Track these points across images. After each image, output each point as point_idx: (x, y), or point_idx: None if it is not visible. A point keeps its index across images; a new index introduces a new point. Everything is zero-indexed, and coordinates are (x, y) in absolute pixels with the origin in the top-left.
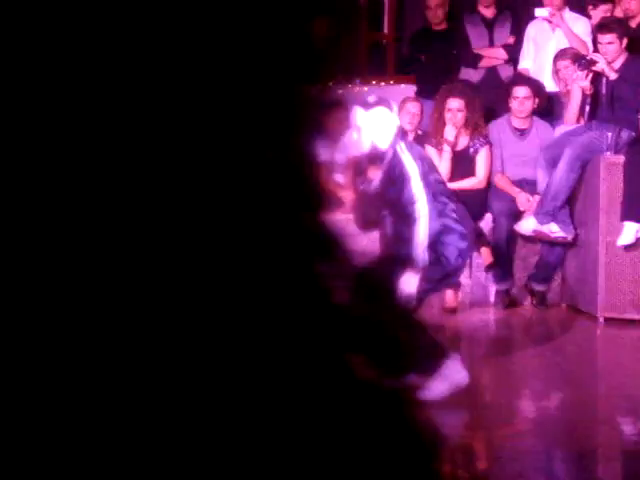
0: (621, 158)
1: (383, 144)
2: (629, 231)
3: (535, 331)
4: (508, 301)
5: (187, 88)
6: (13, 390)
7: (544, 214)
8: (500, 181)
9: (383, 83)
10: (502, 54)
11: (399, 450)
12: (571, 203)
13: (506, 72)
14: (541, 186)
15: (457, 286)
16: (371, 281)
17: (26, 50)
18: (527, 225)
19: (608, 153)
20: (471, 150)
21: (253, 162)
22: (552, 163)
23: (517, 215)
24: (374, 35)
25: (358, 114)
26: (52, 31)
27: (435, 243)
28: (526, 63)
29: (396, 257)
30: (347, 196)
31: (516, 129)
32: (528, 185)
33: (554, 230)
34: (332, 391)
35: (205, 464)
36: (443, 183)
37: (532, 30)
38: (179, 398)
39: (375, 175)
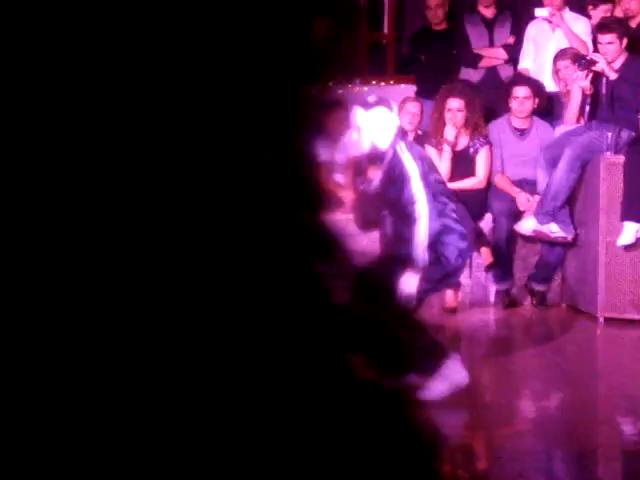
0: (621, 158)
1: (383, 144)
2: (629, 231)
3: (535, 331)
4: (508, 301)
5: (187, 88)
6: (13, 390)
7: (544, 214)
8: (500, 181)
9: (383, 83)
10: (502, 54)
11: (398, 450)
12: (571, 203)
13: (506, 72)
14: (541, 186)
15: (457, 286)
16: (371, 281)
17: (24, 50)
18: (527, 225)
19: (608, 153)
20: (471, 150)
21: (253, 162)
22: (552, 163)
23: (517, 215)
24: (374, 35)
25: (358, 114)
26: (51, 30)
27: (435, 243)
28: (526, 63)
29: (396, 257)
30: (347, 196)
31: (516, 129)
32: (528, 185)
33: (554, 230)
34: (332, 391)
35: (204, 463)
36: (443, 183)
37: (532, 30)
38: (178, 398)
39: (375, 175)
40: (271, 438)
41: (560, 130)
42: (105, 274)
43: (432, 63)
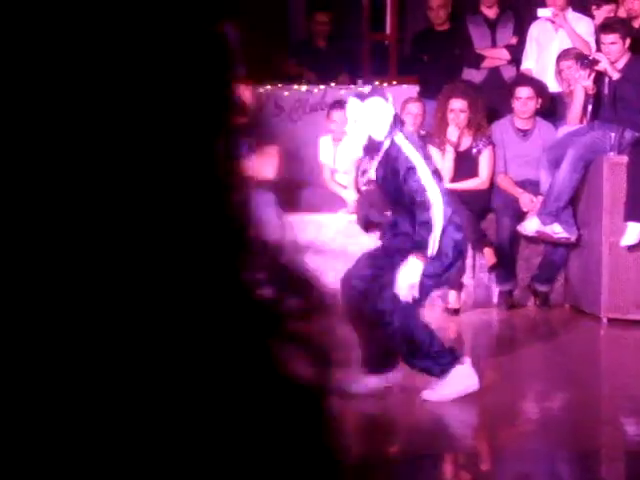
0: (624, 158)
1: (379, 134)
2: (632, 231)
3: (538, 332)
4: (511, 302)
5: (103, 88)
6: None
7: (547, 215)
8: (503, 182)
9: (386, 84)
10: (505, 54)
11: (304, 450)
12: (574, 203)
13: (509, 72)
14: (544, 187)
15: (460, 287)
16: (294, 273)
17: None
18: (530, 226)
19: (611, 153)
20: (474, 151)
21: (170, 157)
22: (555, 164)
23: (520, 216)
24: (377, 36)
25: (354, 105)
26: None
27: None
28: (529, 63)
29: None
30: (350, 196)
31: (519, 129)
32: (531, 185)
33: (557, 231)
34: (250, 387)
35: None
36: (436, 172)
37: (535, 30)
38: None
39: (371, 166)
40: (183, 435)
41: (563, 130)
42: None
43: (435, 63)
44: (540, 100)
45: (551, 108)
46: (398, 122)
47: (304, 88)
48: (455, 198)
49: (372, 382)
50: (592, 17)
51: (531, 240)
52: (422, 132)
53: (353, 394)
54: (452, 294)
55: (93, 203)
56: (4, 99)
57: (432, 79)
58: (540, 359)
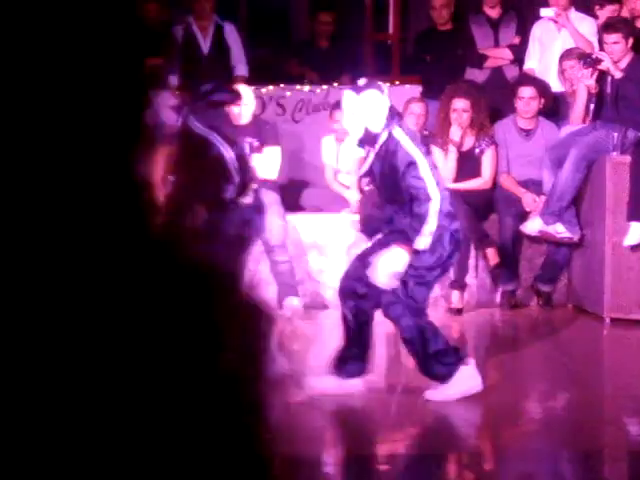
0: (627, 158)
1: (376, 127)
2: (635, 231)
3: (541, 332)
4: (514, 302)
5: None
6: None
7: (550, 214)
8: (506, 181)
9: (388, 84)
10: (507, 54)
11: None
12: (577, 203)
13: (511, 72)
14: (547, 186)
15: (463, 287)
16: (209, 271)
17: None
18: (533, 226)
19: (614, 153)
20: (477, 150)
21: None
22: (558, 163)
23: (523, 216)
24: (379, 36)
25: (349, 98)
26: None
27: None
28: (532, 63)
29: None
30: (353, 196)
31: (522, 129)
32: (534, 185)
33: (560, 230)
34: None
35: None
36: (435, 167)
37: (538, 30)
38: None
39: (367, 160)
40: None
41: (566, 130)
42: None
43: (437, 63)
44: (543, 100)
45: (554, 108)
46: (395, 115)
47: (307, 88)
48: (458, 198)
49: (332, 382)
50: (595, 17)
51: (534, 240)
52: (425, 132)
53: (311, 391)
54: (455, 294)
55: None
56: None
57: (435, 79)
58: (543, 359)
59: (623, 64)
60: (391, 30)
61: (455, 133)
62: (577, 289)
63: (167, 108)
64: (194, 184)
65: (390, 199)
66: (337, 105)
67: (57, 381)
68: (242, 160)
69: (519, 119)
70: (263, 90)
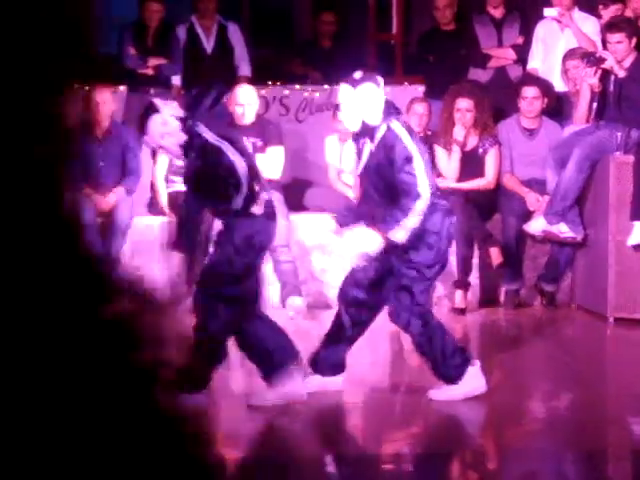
0: (631, 158)
1: (374, 120)
2: (639, 231)
3: (545, 331)
4: (517, 301)
5: None
6: None
7: (553, 214)
8: (509, 181)
9: (391, 84)
10: (511, 54)
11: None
12: (580, 203)
13: (515, 72)
14: (550, 186)
15: (466, 286)
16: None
17: None
18: (536, 225)
19: (618, 153)
20: (480, 150)
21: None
22: (561, 163)
23: (526, 215)
24: (382, 36)
25: (345, 91)
26: None
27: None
28: (535, 63)
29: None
30: (357, 195)
31: (525, 129)
32: (537, 185)
33: (563, 230)
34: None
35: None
36: (429, 164)
37: (541, 30)
38: None
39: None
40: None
41: (569, 130)
42: None
43: (441, 63)
44: (546, 100)
45: (557, 108)
46: (393, 109)
47: (310, 88)
48: (461, 197)
49: (316, 381)
50: (599, 17)
51: (537, 240)
52: (428, 132)
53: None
54: (458, 294)
55: None
56: None
57: (438, 79)
58: (546, 358)
59: (626, 63)
60: (394, 30)
61: (458, 133)
62: (581, 289)
63: (173, 118)
64: (204, 193)
65: (381, 193)
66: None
67: None
68: (253, 170)
69: (522, 119)
70: (266, 90)
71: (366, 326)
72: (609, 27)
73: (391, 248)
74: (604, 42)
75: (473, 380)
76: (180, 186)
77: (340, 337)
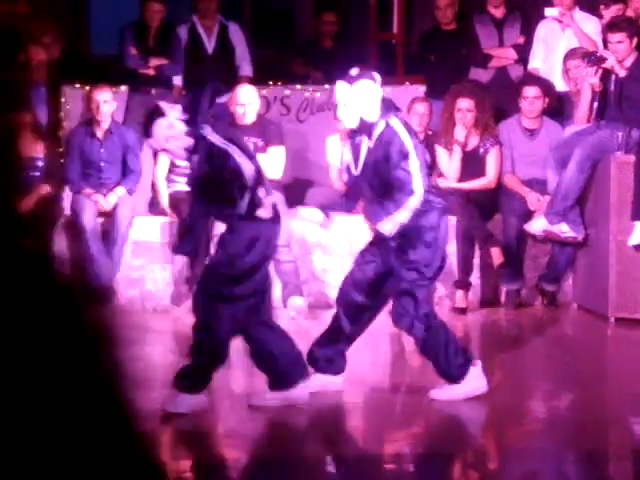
0: (632, 158)
1: (372, 115)
2: None
3: (545, 331)
4: (518, 301)
5: None
6: None
7: (554, 214)
8: (510, 181)
9: (393, 84)
10: (512, 54)
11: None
12: (581, 203)
13: (516, 72)
14: (551, 186)
15: (467, 286)
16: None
17: None
18: (537, 225)
19: (619, 153)
20: (481, 150)
21: None
22: (562, 163)
23: (527, 215)
24: (384, 35)
25: (342, 88)
26: None
27: (416, 219)
28: (536, 63)
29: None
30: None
31: (526, 129)
32: (538, 185)
33: (564, 230)
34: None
35: None
36: (426, 162)
37: (542, 30)
38: None
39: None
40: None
41: (570, 130)
42: None
43: (442, 63)
44: (547, 99)
45: (558, 107)
46: (392, 106)
47: (311, 88)
48: (462, 197)
49: (317, 381)
50: (600, 17)
51: (538, 239)
52: (429, 132)
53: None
54: (459, 293)
55: None
56: None
57: (439, 79)
58: (547, 358)
59: (627, 63)
60: (395, 30)
61: (459, 133)
62: (581, 289)
63: (178, 121)
64: (209, 197)
65: (375, 189)
66: None
67: None
68: (260, 174)
69: (523, 119)
70: (267, 90)
71: (365, 326)
72: (610, 27)
73: (389, 247)
74: (605, 42)
75: (474, 380)
76: (181, 186)
77: (339, 337)
